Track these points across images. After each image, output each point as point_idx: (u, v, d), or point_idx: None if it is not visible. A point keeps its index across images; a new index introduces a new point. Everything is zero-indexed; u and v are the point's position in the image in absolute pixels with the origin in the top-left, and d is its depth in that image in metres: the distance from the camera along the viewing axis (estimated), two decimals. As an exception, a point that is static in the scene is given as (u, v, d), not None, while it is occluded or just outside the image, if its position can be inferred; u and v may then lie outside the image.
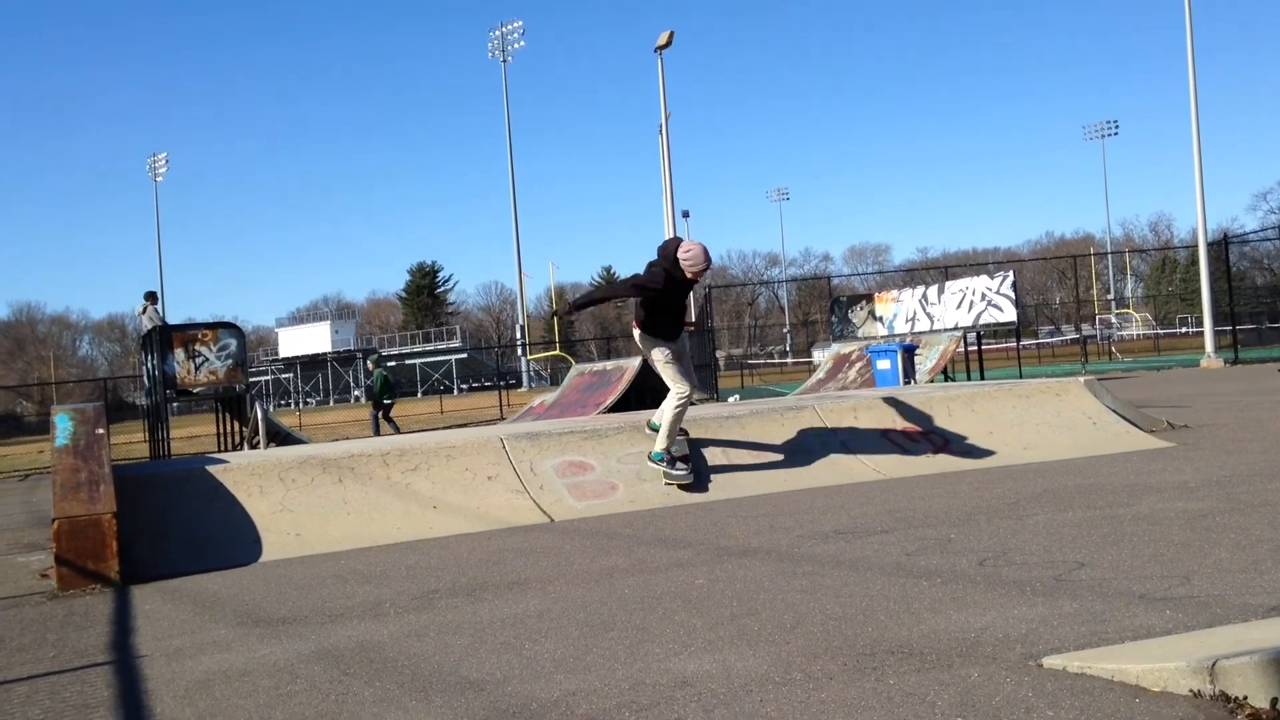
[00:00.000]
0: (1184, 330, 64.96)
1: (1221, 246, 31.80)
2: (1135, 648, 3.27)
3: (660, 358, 7.88)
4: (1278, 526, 5.04)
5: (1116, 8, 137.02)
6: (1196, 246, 31.11)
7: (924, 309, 23.58)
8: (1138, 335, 63.49)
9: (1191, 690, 2.84)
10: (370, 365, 24.00)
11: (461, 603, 4.83)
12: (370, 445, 8.47)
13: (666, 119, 32.27)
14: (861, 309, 25.56)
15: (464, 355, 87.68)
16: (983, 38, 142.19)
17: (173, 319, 19.71)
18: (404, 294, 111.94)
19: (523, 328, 73.80)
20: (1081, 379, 10.21)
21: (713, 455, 8.18)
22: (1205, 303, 29.43)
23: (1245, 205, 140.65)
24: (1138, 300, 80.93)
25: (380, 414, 22.70)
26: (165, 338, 16.62)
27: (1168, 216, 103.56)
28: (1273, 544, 4.65)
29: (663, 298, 7.74)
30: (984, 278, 22.83)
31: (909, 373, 18.26)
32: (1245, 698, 2.72)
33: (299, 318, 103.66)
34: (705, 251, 7.51)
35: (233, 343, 16.89)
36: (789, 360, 66.11)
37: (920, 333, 22.92)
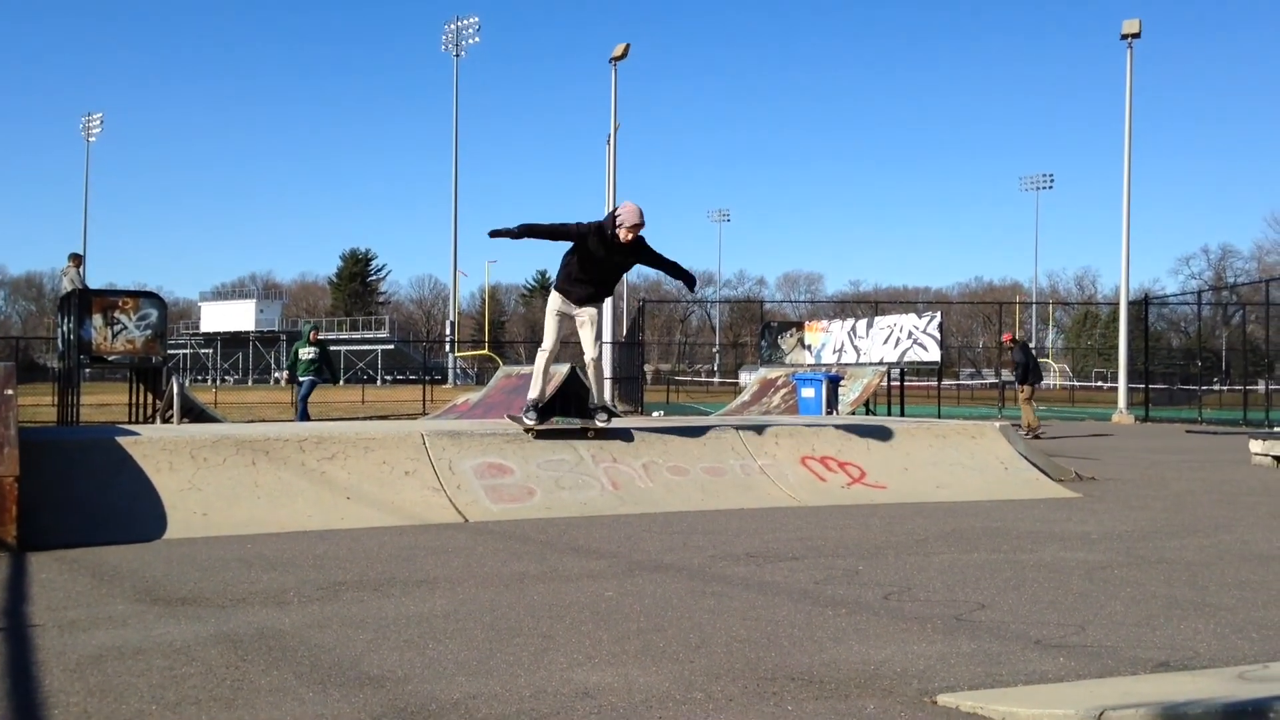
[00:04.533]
0: (1099, 384, 66.56)
1: (1142, 306, 32.69)
2: (1028, 691, 3.35)
3: (550, 309, 8.42)
4: (1173, 584, 5.20)
5: (1062, 65, 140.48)
6: (1118, 304, 31.92)
7: (852, 341, 23.89)
8: (1055, 385, 64.92)
9: (1077, 737, 2.92)
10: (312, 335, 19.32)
11: (368, 596, 4.78)
12: (287, 430, 8.36)
13: (616, 130, 32.34)
14: (791, 336, 25.82)
15: (391, 346, 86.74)
16: (930, 82, 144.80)
17: (94, 284, 19.21)
18: (335, 279, 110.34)
19: (453, 324, 73.26)
20: (997, 424, 10.43)
21: (632, 470, 8.20)
22: (1122, 359, 30.22)
23: (1168, 268, 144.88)
24: (1057, 351, 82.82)
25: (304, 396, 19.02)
26: (84, 302, 16.22)
27: (1093, 272, 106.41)
28: (1167, 600, 4.80)
29: (584, 257, 8.12)
30: (912, 316, 23.21)
31: (832, 403, 18.49)
32: (1128, 748, 2.81)
33: (224, 293, 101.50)
34: (638, 210, 7.96)
35: (154, 313, 16.54)
36: (716, 380, 66.52)
37: (846, 364, 23.22)
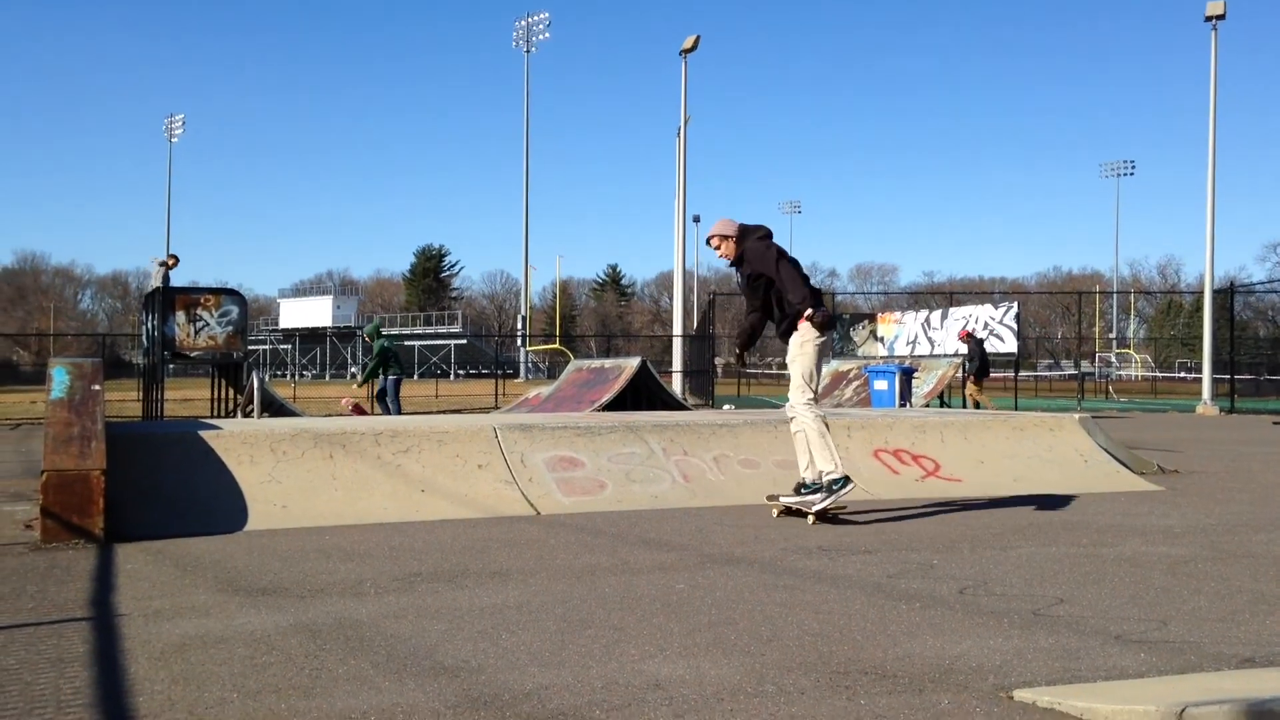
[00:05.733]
0: (1182, 375, 64.98)
1: (1227, 295, 31.82)
2: (1107, 687, 3.29)
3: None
4: (1259, 578, 5.06)
5: (1143, 51, 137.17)
6: (1202, 293, 31.08)
7: (925, 333, 23.62)
8: (1136, 376, 63.56)
9: (1159, 734, 2.86)
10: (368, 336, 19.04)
11: (442, 588, 4.84)
12: (363, 424, 8.50)
13: (686, 122, 32.27)
14: (864, 328, 25.60)
15: (464, 341, 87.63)
16: (1008, 69, 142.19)
17: (176, 282, 19.69)
18: (409, 275, 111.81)
19: (524, 318, 73.79)
20: (1076, 416, 10.23)
21: (703, 463, 8.19)
22: (1206, 350, 29.44)
23: (1255, 255, 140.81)
24: (1139, 341, 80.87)
25: (379, 394, 18.19)
26: (168, 299, 16.64)
27: (1176, 260, 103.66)
28: (1252, 595, 4.67)
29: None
30: (988, 307, 22.86)
31: (905, 395, 18.29)
32: (1211, 746, 2.74)
33: (302, 290, 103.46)
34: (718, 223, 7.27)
35: (234, 310, 16.92)
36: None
37: (920, 356, 22.96)
